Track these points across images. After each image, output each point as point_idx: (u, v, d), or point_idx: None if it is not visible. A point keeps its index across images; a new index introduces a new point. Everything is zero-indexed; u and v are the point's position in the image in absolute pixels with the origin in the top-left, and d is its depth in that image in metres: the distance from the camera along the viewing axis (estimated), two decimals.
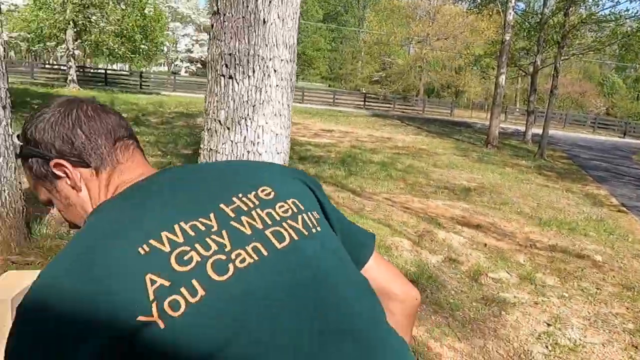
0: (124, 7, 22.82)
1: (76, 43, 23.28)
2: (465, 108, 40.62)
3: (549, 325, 3.66)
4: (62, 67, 27.91)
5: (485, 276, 4.54)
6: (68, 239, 4.01)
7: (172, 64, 50.76)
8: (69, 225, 0.89)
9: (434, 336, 3.24)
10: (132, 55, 25.83)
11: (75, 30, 22.39)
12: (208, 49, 2.38)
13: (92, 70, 30.71)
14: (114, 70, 36.05)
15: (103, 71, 30.11)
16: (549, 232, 6.47)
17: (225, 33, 2.17)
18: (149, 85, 29.16)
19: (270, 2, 2.13)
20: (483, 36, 27.77)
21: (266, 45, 2.17)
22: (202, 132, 2.48)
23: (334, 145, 12.63)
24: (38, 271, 2.01)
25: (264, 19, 2.14)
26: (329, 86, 50.76)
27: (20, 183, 3.55)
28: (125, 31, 23.15)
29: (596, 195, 9.88)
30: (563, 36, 15.49)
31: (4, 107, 3.28)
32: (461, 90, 41.38)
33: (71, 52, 22.68)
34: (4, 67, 3.28)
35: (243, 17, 2.13)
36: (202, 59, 50.46)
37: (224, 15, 2.17)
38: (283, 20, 2.19)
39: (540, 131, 15.97)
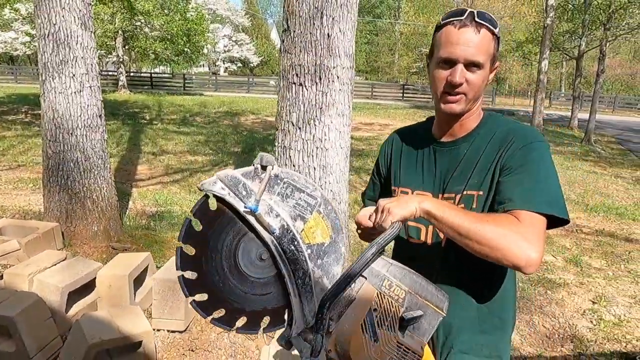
0: (167, 13, 23.75)
1: (125, 49, 24.44)
2: (508, 95, 39.66)
3: (594, 303, 3.84)
4: (109, 73, 29.35)
5: None
6: (152, 229, 4.54)
7: (213, 65, 52.06)
8: None
9: None
10: (175, 58, 26.84)
11: (123, 37, 23.53)
12: (279, 61, 2.76)
13: (138, 75, 32.10)
14: (158, 73, 37.48)
15: (148, 75, 31.45)
16: (595, 218, 6.49)
17: (295, 47, 2.54)
18: (191, 87, 30.21)
19: (333, 18, 2.48)
20: (524, 21, 27.02)
21: (330, 56, 2.52)
22: (275, 132, 2.87)
23: (375, 139, 12.86)
24: (143, 254, 2.51)
25: (328, 34, 2.49)
26: (366, 79, 50.71)
27: (114, 181, 4.09)
28: (169, 35, 24.12)
29: None
30: (609, 17, 15.02)
31: (100, 116, 3.81)
32: (502, 77, 40.39)
33: (121, 59, 23.85)
34: (98, 81, 3.80)
35: (310, 32, 2.49)
36: (242, 58, 51.46)
37: (294, 32, 2.54)
38: (344, 33, 2.54)
39: (587, 116, 15.57)
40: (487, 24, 1.08)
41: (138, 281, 3.05)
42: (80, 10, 3.57)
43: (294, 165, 2.69)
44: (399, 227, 0.98)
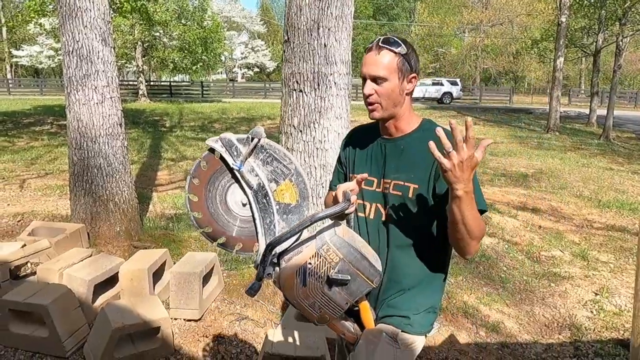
0: (184, 23, 24.33)
1: (144, 59, 25.11)
2: (526, 94, 39.25)
3: (596, 294, 3.93)
4: (130, 83, 30.15)
5: (538, 254, 4.81)
6: (170, 230, 4.82)
7: (230, 72, 52.83)
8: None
9: (484, 302, 3.66)
10: (193, 67, 27.45)
11: (143, 47, 24.20)
12: (281, 68, 2.98)
13: (158, 83, 32.87)
14: (176, 81, 38.30)
15: (167, 83, 32.18)
16: (608, 213, 6.50)
17: (295, 57, 2.77)
18: (209, 94, 30.80)
19: (329, 29, 2.70)
20: (540, 18, 26.80)
21: (327, 64, 2.74)
22: (279, 135, 3.09)
23: None
24: (161, 250, 2.78)
25: (324, 44, 2.71)
26: None
27: (134, 185, 4.38)
28: (187, 45, 24.71)
29: None
30: (624, 12, 14.88)
31: (120, 125, 4.11)
32: (520, 75, 40.02)
33: (140, 68, 24.52)
34: (118, 93, 4.10)
35: (308, 43, 2.72)
36: (258, 64, 52.09)
37: (294, 43, 2.77)
38: (340, 42, 2.75)
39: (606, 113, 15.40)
40: (386, 46, 1.36)
41: (157, 275, 3.31)
42: (100, 28, 3.87)
43: None
44: (344, 207, 1.25)
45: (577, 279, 4.25)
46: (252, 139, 1.33)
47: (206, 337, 2.92)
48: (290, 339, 2.39)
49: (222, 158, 1.35)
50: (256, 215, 1.33)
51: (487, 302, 3.68)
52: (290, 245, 1.28)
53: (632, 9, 15.07)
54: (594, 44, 17.51)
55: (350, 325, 1.41)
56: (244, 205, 1.37)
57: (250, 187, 1.33)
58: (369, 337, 1.41)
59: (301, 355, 2.27)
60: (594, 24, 17.46)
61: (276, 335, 2.37)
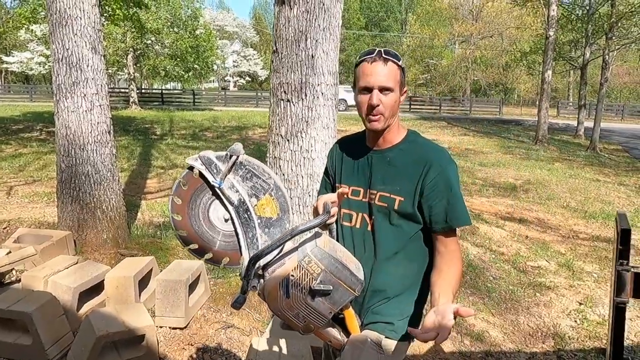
0: (177, 31, 24.37)
1: (135, 67, 25.08)
2: (516, 105, 39.72)
3: (580, 304, 3.98)
4: (121, 90, 30.06)
5: (524, 264, 4.86)
6: (158, 237, 4.81)
7: (222, 80, 52.88)
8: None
9: None
10: (185, 75, 27.46)
11: (134, 55, 24.18)
12: (270, 79, 3.01)
13: (149, 91, 32.80)
14: (168, 89, 38.25)
15: (159, 91, 32.12)
16: (594, 224, 6.58)
17: (283, 67, 2.81)
18: (201, 102, 30.79)
19: (316, 41, 2.75)
20: (529, 31, 27.21)
21: (315, 74, 2.78)
22: (267, 144, 3.12)
23: None
24: (147, 258, 2.79)
25: (312, 55, 2.75)
26: None
27: (122, 193, 4.38)
28: (178, 53, 24.73)
29: None
30: (610, 27, 15.17)
31: (109, 132, 4.11)
32: (510, 87, 40.50)
33: (132, 76, 24.48)
34: (107, 100, 4.11)
35: (296, 54, 2.76)
36: (250, 72, 52.22)
37: (282, 53, 2.81)
38: (327, 53, 2.80)
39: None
40: (391, 58, 1.40)
41: (143, 283, 3.30)
42: (90, 36, 3.89)
43: (283, 174, 2.93)
44: (324, 219, 1.30)
45: (562, 288, 4.30)
46: (231, 156, 1.36)
47: (191, 345, 2.91)
48: (275, 348, 2.39)
49: (202, 176, 1.38)
50: (239, 230, 1.37)
51: (470, 316, 3.71)
52: (274, 258, 1.31)
53: (618, 24, 15.37)
54: (582, 57, 17.82)
55: (336, 332, 1.44)
56: (226, 220, 1.40)
57: (232, 203, 1.36)
58: (354, 343, 1.44)
59: None
60: (581, 38, 17.79)
61: (261, 343, 2.38)
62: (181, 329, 3.05)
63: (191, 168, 1.39)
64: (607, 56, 15.33)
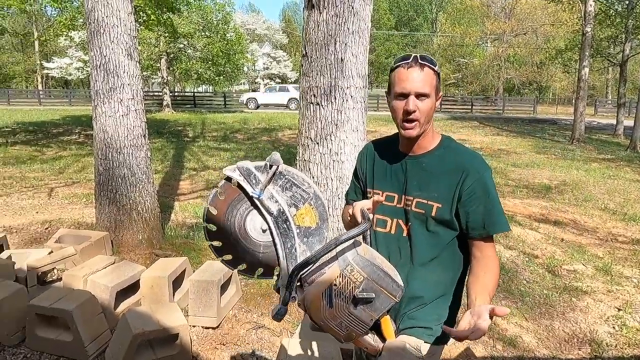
0: (208, 35, 24.84)
1: (168, 70, 25.70)
2: (551, 104, 38.64)
3: (619, 310, 3.85)
4: (155, 94, 30.86)
5: (559, 268, 4.73)
6: (190, 238, 4.92)
7: (252, 82, 53.52)
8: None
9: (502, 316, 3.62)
10: (216, 78, 27.96)
11: (167, 59, 24.78)
12: (299, 81, 3.05)
13: (182, 94, 33.55)
14: (200, 92, 39.00)
15: (191, 94, 32.80)
16: (634, 227, 6.35)
17: (312, 71, 2.84)
18: (232, 104, 31.26)
19: (346, 44, 2.76)
20: (564, 28, 26.45)
21: (344, 78, 2.80)
22: (297, 146, 3.16)
23: None
24: (181, 258, 2.86)
25: (341, 58, 2.77)
26: None
27: (157, 195, 4.51)
28: (210, 56, 25.20)
29: None
30: None
31: (144, 136, 4.24)
32: (544, 85, 39.45)
33: (165, 80, 25.08)
34: (142, 105, 4.24)
35: (326, 57, 2.78)
36: (280, 74, 52.65)
37: (311, 57, 2.84)
38: (356, 56, 2.81)
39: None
40: (428, 64, 1.39)
41: (177, 283, 3.39)
42: (126, 43, 4.02)
43: (313, 177, 2.96)
44: (366, 228, 1.27)
45: (599, 293, 4.17)
46: (271, 166, 1.33)
47: (223, 344, 2.97)
48: (305, 349, 2.42)
49: (239, 186, 1.35)
50: (277, 241, 1.35)
51: (506, 316, 3.64)
52: (312, 268, 1.29)
53: None
54: (621, 53, 17.20)
55: (371, 338, 1.44)
56: (263, 231, 1.38)
57: (271, 214, 1.34)
58: (393, 349, 1.44)
59: None
60: (620, 34, 17.16)
61: (291, 344, 2.41)
62: (213, 328, 3.12)
63: (228, 178, 1.36)
64: None
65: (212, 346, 2.95)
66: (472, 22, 38.28)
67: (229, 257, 1.39)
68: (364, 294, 1.25)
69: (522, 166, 10.97)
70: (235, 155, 11.20)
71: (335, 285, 1.25)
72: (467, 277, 1.44)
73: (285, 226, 1.34)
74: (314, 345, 2.44)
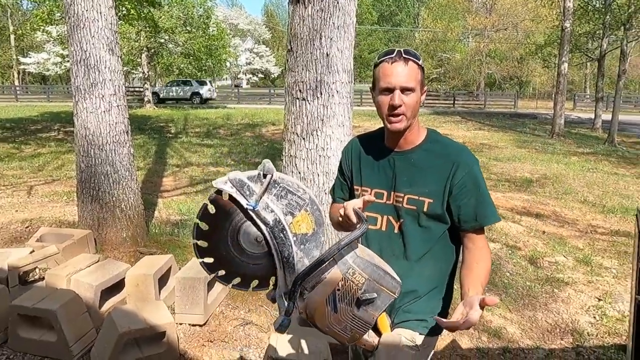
0: (190, 30, 24.53)
1: (150, 66, 25.33)
2: (531, 98, 39.19)
3: (599, 300, 3.94)
4: (136, 89, 30.41)
5: (541, 260, 4.82)
6: (175, 235, 4.88)
7: (235, 78, 53.15)
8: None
9: (486, 307, 3.66)
10: (199, 73, 27.66)
11: (148, 54, 24.42)
12: (283, 76, 3.03)
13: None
14: None
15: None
16: (612, 219, 6.49)
17: (298, 66, 2.83)
18: (215, 100, 30.99)
19: (331, 39, 2.76)
20: (544, 23, 26.80)
21: (330, 73, 2.80)
22: (282, 142, 3.15)
23: None
24: (166, 256, 2.83)
25: (327, 53, 2.77)
26: None
27: (140, 192, 4.46)
28: (192, 51, 24.90)
29: None
30: (629, 17, 14.89)
31: (126, 133, 4.18)
32: (525, 80, 39.99)
33: (146, 75, 24.72)
34: (124, 101, 4.18)
35: (311, 52, 2.78)
36: (263, 70, 52.39)
37: (296, 52, 2.83)
38: (342, 51, 2.81)
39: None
40: (412, 58, 1.39)
41: (162, 280, 3.36)
42: (107, 38, 3.95)
43: (299, 173, 2.95)
44: (365, 229, 1.26)
45: (580, 284, 4.27)
46: (264, 175, 1.28)
47: (211, 341, 2.96)
48: (293, 344, 2.42)
49: (232, 198, 1.30)
50: (274, 251, 1.30)
51: (490, 307, 3.70)
52: (312, 274, 1.27)
53: (637, 14, 15.07)
54: (599, 48, 17.51)
55: (366, 334, 1.44)
56: (258, 242, 1.33)
57: (267, 224, 1.29)
58: (389, 343, 1.46)
59: None
60: (598, 29, 17.46)
61: (279, 340, 2.41)
62: (200, 325, 3.10)
63: (219, 191, 1.30)
64: (625, 47, 15.05)
65: (199, 343, 2.93)
66: (453, 18, 38.52)
67: (222, 272, 1.33)
68: (367, 294, 1.25)
69: (504, 160, 11.12)
70: (219, 152, 11.12)
71: (338, 289, 1.24)
72: (460, 268, 1.45)
73: (282, 235, 1.29)
74: (302, 340, 2.45)
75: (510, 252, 5.02)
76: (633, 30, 15.48)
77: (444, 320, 1.20)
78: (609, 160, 11.79)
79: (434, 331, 1.52)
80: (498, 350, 3.12)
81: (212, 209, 1.31)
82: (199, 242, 1.31)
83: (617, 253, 5.09)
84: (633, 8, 14.75)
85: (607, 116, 17.85)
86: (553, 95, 19.20)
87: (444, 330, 1.57)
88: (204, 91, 29.00)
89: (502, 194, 7.71)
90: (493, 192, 7.76)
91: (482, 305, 1.14)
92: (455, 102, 30.72)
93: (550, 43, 19.93)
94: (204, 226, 1.30)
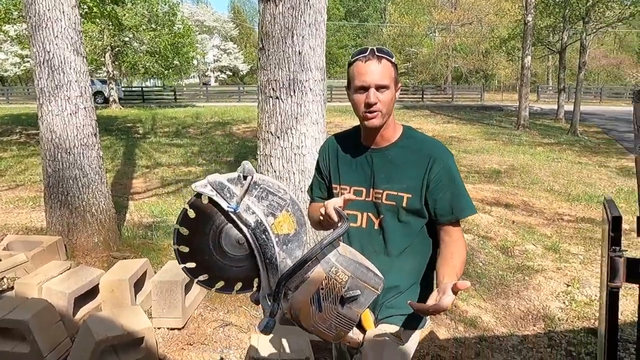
0: (154, 27, 24.00)
1: (114, 65, 24.68)
2: (496, 91, 40.10)
3: (568, 285, 4.09)
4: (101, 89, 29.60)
5: (512, 249, 4.96)
6: (149, 239, 4.78)
7: (203, 75, 52.36)
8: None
9: (461, 298, 3.76)
10: (165, 72, 27.11)
11: (112, 53, 23.78)
12: (253, 74, 3.01)
13: (129, 89, 32.34)
14: (148, 87, 37.74)
15: (139, 89, 31.68)
16: (577, 207, 6.73)
17: (270, 64, 2.81)
18: (183, 98, 30.47)
19: (303, 37, 2.76)
20: (507, 17, 27.43)
21: (302, 71, 2.80)
22: (257, 141, 3.13)
23: None
24: (141, 260, 2.78)
25: (299, 51, 2.77)
26: None
27: (110, 194, 4.35)
28: (157, 49, 24.38)
29: (630, 168, 9.77)
30: (587, 11, 15.39)
31: (95, 135, 4.07)
32: (490, 73, 40.86)
33: (111, 74, 24.08)
34: (92, 103, 4.06)
35: (283, 51, 2.77)
36: (231, 67, 51.78)
37: (269, 50, 2.81)
38: (314, 49, 2.81)
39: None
40: (385, 56, 1.42)
41: (138, 285, 3.29)
42: (72, 38, 3.83)
43: (275, 171, 2.95)
44: (347, 228, 1.27)
45: (549, 271, 4.41)
46: (245, 177, 1.28)
47: (190, 344, 2.93)
48: (274, 344, 2.42)
49: (212, 201, 1.29)
50: (256, 252, 1.30)
51: (465, 297, 3.79)
52: (295, 274, 1.26)
53: (595, 8, 15.60)
54: (560, 41, 18.04)
55: (351, 331, 1.46)
56: (240, 244, 1.32)
57: (248, 226, 1.29)
58: (374, 339, 1.48)
59: (286, 359, 2.31)
60: (559, 23, 17.99)
61: (260, 340, 2.41)
62: (179, 329, 3.06)
63: (198, 195, 1.29)
64: (584, 40, 15.56)
65: (178, 347, 2.90)
66: (419, 12, 38.97)
67: (205, 277, 1.32)
68: (350, 292, 1.25)
69: (473, 152, 11.35)
70: (190, 151, 10.95)
71: (322, 288, 1.25)
72: (437, 260, 1.48)
73: (264, 237, 1.29)
74: (283, 339, 2.45)
75: (482, 242, 5.14)
76: (591, 24, 16.01)
77: (417, 304, 1.23)
78: (573, 150, 12.19)
79: (417, 325, 1.55)
80: (474, 339, 3.20)
81: (192, 213, 1.29)
82: (180, 248, 1.29)
83: (583, 239, 5.28)
84: (591, 2, 15.26)
85: (569, 107, 18.44)
86: (517, 88, 19.71)
87: (427, 324, 1.60)
88: (107, 90, 27.62)
89: (473, 185, 7.87)
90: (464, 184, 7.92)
91: (455, 290, 1.17)
92: (424, 96, 31.12)
93: (514, 37, 20.41)
94: (184, 231, 1.29)
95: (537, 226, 5.76)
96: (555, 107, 19.77)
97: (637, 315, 1.20)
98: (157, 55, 25.04)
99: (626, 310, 3.51)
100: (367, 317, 1.48)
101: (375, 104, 1.41)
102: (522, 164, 9.92)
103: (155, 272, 3.33)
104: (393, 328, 1.51)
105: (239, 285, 1.35)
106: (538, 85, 34.58)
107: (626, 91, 32.02)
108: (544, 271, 4.40)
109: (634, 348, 3.06)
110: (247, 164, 1.29)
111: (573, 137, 14.60)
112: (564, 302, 3.79)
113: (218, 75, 53.20)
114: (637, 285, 1.15)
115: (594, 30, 16.76)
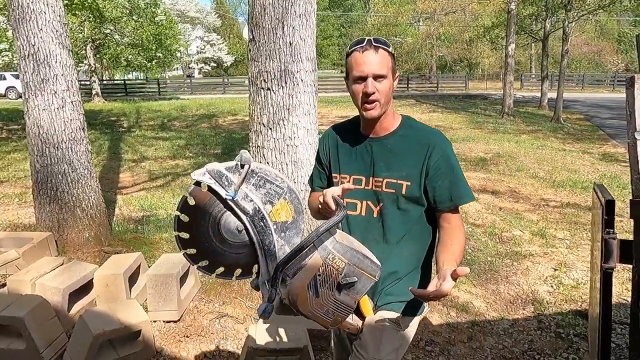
0: (136, 19, 23.61)
1: (96, 57, 24.25)
2: (481, 79, 40.33)
3: (555, 270, 4.18)
4: (82, 82, 29.08)
5: (500, 235, 5.05)
6: (140, 232, 4.76)
7: (187, 67, 51.73)
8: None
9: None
10: (148, 64, 26.72)
11: (94, 46, 23.35)
12: (237, 65, 3.00)
13: (112, 82, 31.83)
14: (131, 80, 37.18)
15: (122, 82, 31.19)
16: (562, 192, 6.86)
17: (261, 55, 2.81)
18: (166, 91, 30.10)
19: (293, 28, 2.75)
20: (491, 6, 27.55)
21: (293, 62, 2.80)
22: (248, 133, 3.13)
23: None
24: (135, 254, 2.78)
25: (290, 42, 2.77)
26: (341, 72, 51.03)
27: (100, 189, 4.31)
28: (140, 41, 24.00)
29: (613, 154, 10.00)
30: None
31: (83, 129, 4.02)
32: (474, 62, 41.09)
33: (93, 67, 23.67)
34: (79, 96, 4.01)
35: (274, 42, 2.76)
36: (215, 58, 51.23)
37: (259, 42, 2.81)
38: (304, 40, 2.81)
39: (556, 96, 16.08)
40: (382, 46, 1.43)
41: (132, 279, 3.29)
42: (57, 31, 3.77)
43: (267, 162, 2.95)
44: (343, 215, 1.29)
45: (537, 256, 4.50)
46: (242, 165, 1.31)
47: (187, 337, 2.94)
48: (271, 333, 2.45)
49: (211, 189, 1.32)
50: (254, 239, 1.33)
51: (456, 283, 3.84)
52: (293, 261, 1.29)
53: None
54: (542, 29, 18.21)
55: (350, 317, 1.48)
56: (239, 231, 1.35)
57: (246, 214, 1.32)
58: (373, 325, 1.51)
59: (284, 348, 2.34)
60: (541, 11, 18.14)
61: (257, 330, 2.43)
62: (175, 322, 3.08)
63: (198, 183, 1.32)
64: (566, 28, 15.72)
65: (175, 340, 2.91)
66: (404, 1, 38.91)
67: (205, 262, 1.36)
68: (347, 279, 1.28)
69: (459, 141, 11.43)
70: (176, 144, 10.86)
71: (319, 274, 1.27)
72: (436, 246, 1.51)
73: (262, 224, 1.32)
74: (281, 327, 2.48)
75: (471, 229, 5.22)
76: (573, 12, 16.18)
77: (418, 290, 1.26)
78: (556, 137, 12.37)
79: (416, 311, 1.58)
80: (466, 324, 3.27)
81: (191, 200, 1.33)
82: (181, 234, 1.33)
83: (569, 224, 5.39)
84: None
85: (552, 94, 18.66)
86: (502, 76, 19.85)
87: (425, 310, 1.64)
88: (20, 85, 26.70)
89: None
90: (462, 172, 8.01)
91: (455, 276, 1.21)
92: (409, 85, 31.18)
93: (498, 25, 20.54)
94: (184, 218, 1.32)
95: (524, 212, 5.86)
96: (539, 94, 20.00)
97: (630, 297, 1.25)
98: (139, 48, 24.65)
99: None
100: (366, 304, 1.50)
101: (374, 93, 1.43)
102: (507, 151, 10.03)
103: (149, 266, 3.33)
104: (392, 314, 1.54)
105: (238, 271, 1.38)
106: (521, 73, 34.89)
107: (607, 78, 32.45)
108: (531, 256, 4.49)
109: (620, 329, 3.15)
110: (244, 153, 1.31)
111: (556, 124, 14.80)
112: (551, 286, 3.88)
113: (202, 67, 52.61)
114: (631, 266, 1.20)
115: (576, 18, 16.93)
